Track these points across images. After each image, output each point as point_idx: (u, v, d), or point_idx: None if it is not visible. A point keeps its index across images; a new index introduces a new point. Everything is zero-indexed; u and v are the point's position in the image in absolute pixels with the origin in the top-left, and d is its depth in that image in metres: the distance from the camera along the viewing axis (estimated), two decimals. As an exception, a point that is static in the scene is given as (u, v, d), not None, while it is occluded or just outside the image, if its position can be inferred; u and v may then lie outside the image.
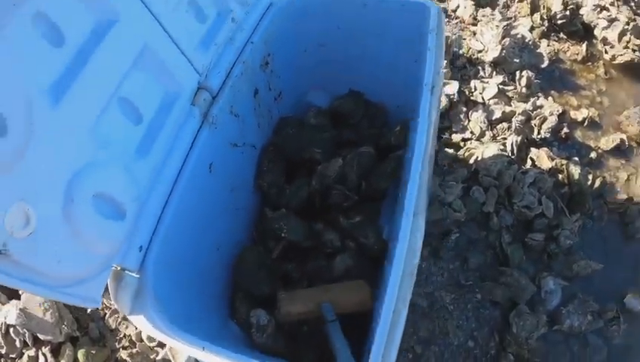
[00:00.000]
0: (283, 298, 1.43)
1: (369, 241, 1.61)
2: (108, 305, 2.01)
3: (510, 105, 2.63)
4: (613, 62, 3.25)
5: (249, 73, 1.59)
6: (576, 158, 2.61)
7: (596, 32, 3.33)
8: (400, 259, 1.05)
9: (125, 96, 1.07)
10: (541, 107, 2.62)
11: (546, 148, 2.57)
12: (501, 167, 2.34)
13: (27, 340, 1.93)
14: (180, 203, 1.19)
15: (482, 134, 2.50)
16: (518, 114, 2.52)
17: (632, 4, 3.66)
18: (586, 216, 2.46)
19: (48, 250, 0.85)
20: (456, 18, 3.21)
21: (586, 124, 2.82)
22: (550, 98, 2.81)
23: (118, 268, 1.02)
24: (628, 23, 3.28)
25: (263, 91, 1.75)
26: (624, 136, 2.84)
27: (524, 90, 2.67)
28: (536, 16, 3.26)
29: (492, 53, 2.80)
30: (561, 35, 3.32)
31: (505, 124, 2.55)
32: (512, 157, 2.45)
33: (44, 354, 1.92)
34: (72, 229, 0.91)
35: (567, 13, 3.31)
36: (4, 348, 1.96)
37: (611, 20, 3.31)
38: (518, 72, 2.75)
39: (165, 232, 1.13)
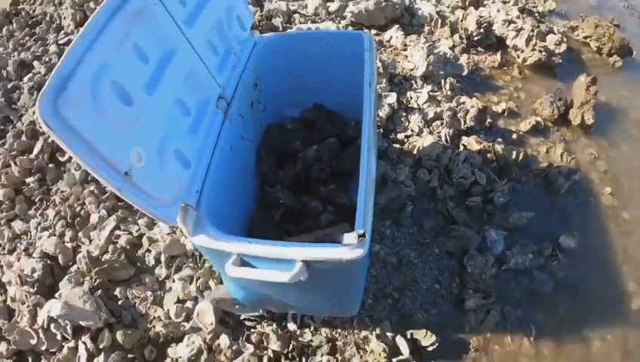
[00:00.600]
0: (289, 239, 2.10)
1: (342, 201, 2.31)
2: (137, 294, 2.58)
3: (440, 107, 3.41)
4: (525, 63, 4.11)
5: (247, 90, 2.33)
6: (500, 140, 3.38)
7: (508, 41, 4.20)
8: (364, 171, 1.72)
9: (181, 97, 1.76)
10: (463, 103, 3.40)
11: (474, 136, 3.31)
12: (438, 152, 3.07)
13: (68, 332, 2.32)
14: (216, 166, 1.85)
15: (421, 131, 3.25)
16: (446, 110, 3.29)
17: (536, 14, 4.59)
18: (515, 181, 3.18)
19: (151, 179, 1.46)
20: (390, 46, 4.05)
21: (506, 114, 3.62)
22: (474, 98, 3.60)
23: (184, 205, 1.66)
24: (533, 30, 4.16)
25: (256, 104, 2.49)
26: (539, 119, 3.64)
27: (449, 92, 3.46)
28: (456, 36, 4.12)
29: (421, 69, 3.60)
30: (479, 48, 4.19)
31: (438, 122, 3.31)
32: (447, 144, 3.19)
33: (84, 343, 2.34)
34: (163, 169, 1.56)
35: (482, 30, 4.18)
36: (45, 343, 2.33)
37: (518, 30, 4.20)
38: (442, 80, 3.55)
39: (210, 183, 1.78)
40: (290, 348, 2.37)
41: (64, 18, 4.45)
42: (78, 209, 2.91)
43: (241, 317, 2.47)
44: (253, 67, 2.37)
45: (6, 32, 4.49)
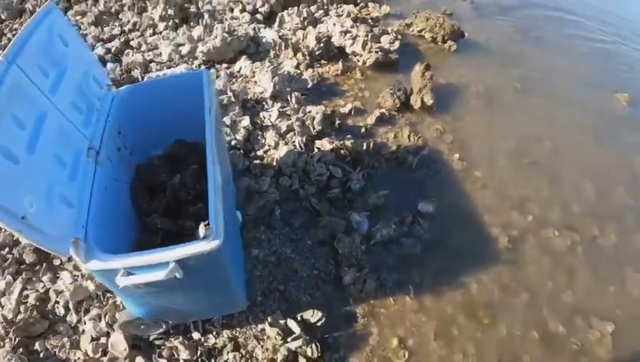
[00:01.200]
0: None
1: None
2: (55, 344, 2.77)
3: (290, 119, 3.91)
4: (365, 65, 4.72)
5: (112, 138, 2.66)
6: (350, 136, 3.91)
7: (347, 49, 4.81)
8: (211, 179, 2.12)
9: (56, 152, 2.09)
10: (310, 112, 3.92)
11: (327, 138, 3.80)
12: (294, 158, 3.54)
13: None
14: (96, 205, 2.18)
15: (277, 144, 3.71)
16: (295, 121, 3.79)
17: (370, 20, 5.27)
18: (369, 168, 3.70)
19: (43, 220, 1.77)
20: (240, 76, 4.55)
21: (353, 113, 4.17)
22: (321, 105, 4.14)
23: (74, 239, 1.96)
24: (367, 35, 4.80)
25: (123, 149, 2.83)
26: (384, 110, 4.23)
27: (295, 106, 3.96)
28: (299, 54, 4.68)
29: (269, 90, 4.09)
30: (322, 61, 4.76)
31: (291, 133, 3.81)
32: (302, 150, 3.67)
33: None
34: (52, 211, 1.88)
35: (322, 44, 4.77)
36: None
37: (354, 37, 4.82)
38: (289, 96, 4.07)
39: (93, 219, 2.10)
40: (199, 354, 2.70)
41: None
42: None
43: (151, 338, 2.77)
44: (114, 118, 2.72)
45: None
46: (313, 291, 3.05)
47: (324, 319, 2.85)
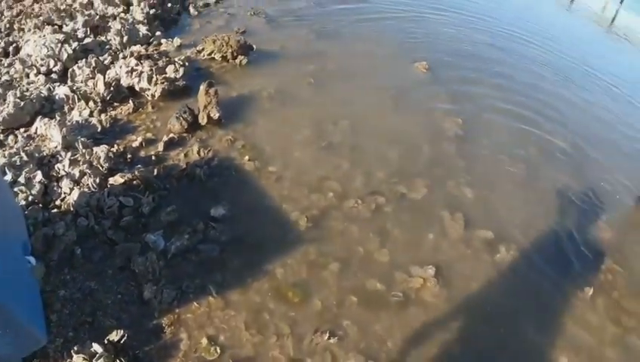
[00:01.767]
0: None
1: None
2: None
3: (81, 165, 4.42)
4: (155, 98, 5.32)
5: None
6: (140, 166, 4.48)
7: (136, 87, 5.38)
8: None
9: None
10: (95, 153, 4.46)
11: (119, 173, 4.35)
12: (87, 199, 4.05)
13: None
14: None
15: (72, 190, 4.22)
16: (82, 165, 4.31)
17: (156, 55, 5.87)
18: (160, 190, 4.29)
19: None
20: (37, 136, 4.98)
21: (144, 145, 4.74)
22: (107, 145, 4.64)
23: None
24: (151, 69, 5.39)
25: None
26: (173, 135, 4.85)
27: (83, 150, 4.47)
28: (91, 103, 5.19)
29: (61, 143, 4.59)
30: (115, 104, 5.31)
31: (86, 177, 4.31)
32: (96, 190, 4.20)
33: None
34: None
35: (112, 88, 5.31)
36: None
37: (140, 73, 5.40)
38: (76, 143, 4.58)
39: None
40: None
41: None
42: None
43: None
44: None
45: None
46: (119, 314, 3.45)
47: (126, 335, 3.23)
